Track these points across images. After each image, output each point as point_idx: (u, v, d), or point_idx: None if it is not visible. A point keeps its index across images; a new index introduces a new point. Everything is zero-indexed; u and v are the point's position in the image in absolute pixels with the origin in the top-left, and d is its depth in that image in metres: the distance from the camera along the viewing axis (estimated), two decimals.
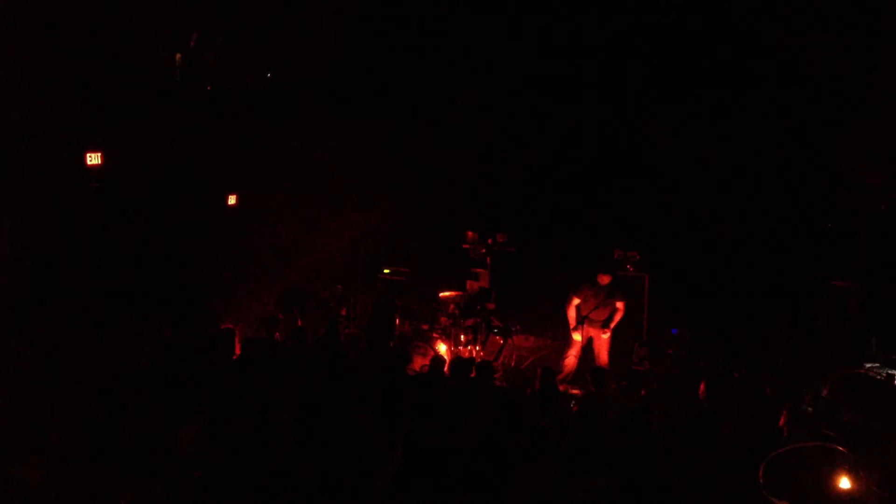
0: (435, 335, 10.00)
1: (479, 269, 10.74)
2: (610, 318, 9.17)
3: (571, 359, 9.28)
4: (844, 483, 4.67)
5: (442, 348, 9.76)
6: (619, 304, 9.15)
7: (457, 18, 11.54)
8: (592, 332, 9.26)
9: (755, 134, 10.70)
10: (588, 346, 9.34)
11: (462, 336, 9.89)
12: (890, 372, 7.63)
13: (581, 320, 9.19)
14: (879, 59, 9.68)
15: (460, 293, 10.38)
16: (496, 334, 9.93)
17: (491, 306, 10.12)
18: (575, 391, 8.80)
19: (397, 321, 10.33)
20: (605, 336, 9.18)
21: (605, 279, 9.10)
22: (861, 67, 9.87)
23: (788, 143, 10.50)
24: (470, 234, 10.89)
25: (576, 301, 9.32)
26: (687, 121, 10.87)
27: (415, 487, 5.07)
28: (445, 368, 7.35)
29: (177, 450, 5.17)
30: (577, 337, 9.28)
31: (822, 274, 9.69)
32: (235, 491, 5.00)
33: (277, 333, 8.18)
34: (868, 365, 7.84)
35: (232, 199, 10.82)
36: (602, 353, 9.17)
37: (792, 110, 10.42)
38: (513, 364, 9.96)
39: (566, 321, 9.48)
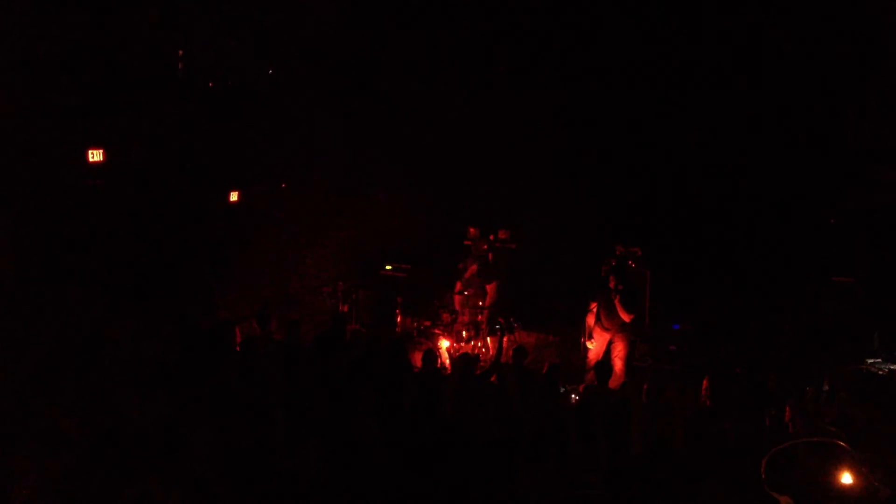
0: (437, 332, 10.01)
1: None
2: (624, 324, 8.84)
3: (595, 352, 8.99)
4: (846, 478, 4.66)
5: (444, 345, 9.77)
6: (623, 315, 8.79)
7: (458, 14, 11.54)
8: (608, 336, 8.99)
9: (758, 129, 10.70)
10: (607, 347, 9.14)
11: (464, 333, 9.90)
12: (892, 367, 7.64)
13: (595, 323, 9.03)
14: (885, 55, 9.67)
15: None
16: (499, 330, 9.93)
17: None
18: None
19: (399, 318, 10.35)
20: (621, 344, 8.87)
21: (614, 282, 8.88)
22: (864, 63, 9.86)
23: (791, 138, 10.50)
24: (472, 230, 10.87)
25: (594, 307, 9.07)
26: (690, 115, 10.87)
27: (416, 485, 5.08)
28: (438, 363, 7.35)
29: (180, 447, 5.18)
30: (590, 345, 9.09)
31: (824, 269, 9.68)
32: (237, 489, 5.01)
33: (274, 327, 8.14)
34: (870, 360, 7.86)
35: (234, 196, 10.82)
36: (617, 362, 8.83)
37: (794, 106, 10.42)
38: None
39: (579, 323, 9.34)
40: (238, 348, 7.22)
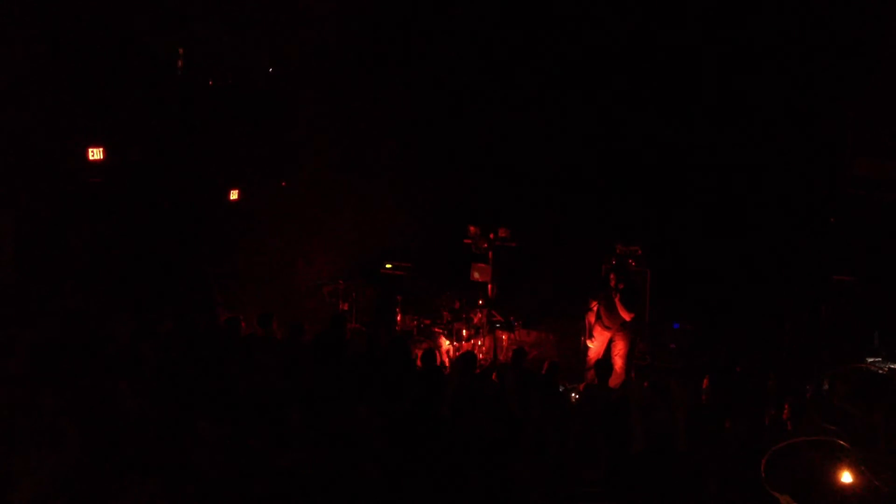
0: (437, 330, 10.01)
1: (480, 264, 10.72)
2: (625, 323, 8.85)
3: (595, 351, 9.02)
4: (846, 477, 4.66)
5: (444, 343, 9.77)
6: (623, 313, 8.82)
7: (458, 14, 11.53)
8: (609, 334, 9.01)
9: (758, 128, 10.69)
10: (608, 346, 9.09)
11: (464, 331, 9.90)
12: (892, 366, 7.64)
13: (596, 322, 9.03)
14: (882, 52, 9.66)
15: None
16: (498, 329, 9.94)
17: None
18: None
19: (399, 316, 10.34)
20: (622, 342, 8.89)
21: (615, 281, 8.86)
22: (863, 61, 9.85)
23: (791, 137, 10.49)
24: (472, 228, 10.85)
25: (594, 305, 9.09)
26: (689, 114, 10.86)
27: (416, 484, 5.08)
28: (438, 361, 7.36)
29: (180, 447, 5.17)
30: (590, 344, 9.12)
31: (824, 268, 9.68)
32: (237, 489, 5.01)
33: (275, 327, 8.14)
34: (870, 359, 7.86)
35: (234, 194, 10.81)
36: (617, 360, 8.83)
37: (794, 104, 10.41)
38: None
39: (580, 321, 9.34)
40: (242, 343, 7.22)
